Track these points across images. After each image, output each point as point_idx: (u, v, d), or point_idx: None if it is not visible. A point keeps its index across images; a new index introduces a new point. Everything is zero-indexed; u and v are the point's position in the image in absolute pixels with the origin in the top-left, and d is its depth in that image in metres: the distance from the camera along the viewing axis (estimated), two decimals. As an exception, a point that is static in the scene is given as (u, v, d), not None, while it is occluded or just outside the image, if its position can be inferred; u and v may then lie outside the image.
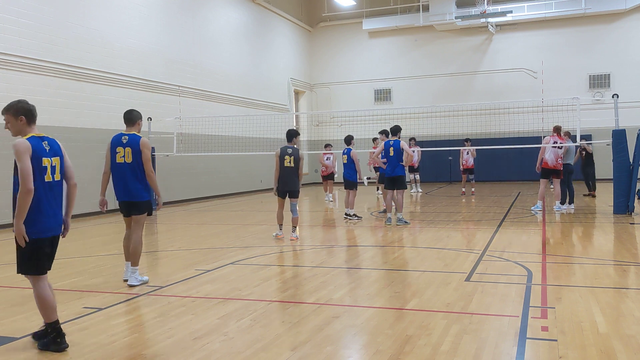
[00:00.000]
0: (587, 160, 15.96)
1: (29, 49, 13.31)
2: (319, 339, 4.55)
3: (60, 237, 4.68)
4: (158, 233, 8.14)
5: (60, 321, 5.19)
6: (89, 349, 4.45)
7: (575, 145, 13.75)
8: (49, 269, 4.59)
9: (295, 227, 10.17)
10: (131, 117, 6.78)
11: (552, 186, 13.73)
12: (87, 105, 14.94)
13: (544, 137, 13.80)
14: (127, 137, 6.62)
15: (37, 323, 5.14)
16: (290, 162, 9.93)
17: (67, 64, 14.28)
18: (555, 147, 12.81)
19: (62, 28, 14.23)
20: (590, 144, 15.92)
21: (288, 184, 9.96)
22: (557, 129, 13.13)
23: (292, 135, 10.18)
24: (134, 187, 6.57)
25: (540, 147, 13.19)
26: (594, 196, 16.38)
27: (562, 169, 12.99)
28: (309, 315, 5.21)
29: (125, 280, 6.72)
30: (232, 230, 11.77)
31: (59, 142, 4.74)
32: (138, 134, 6.70)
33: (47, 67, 13.73)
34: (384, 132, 13.47)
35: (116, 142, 6.65)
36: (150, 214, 6.83)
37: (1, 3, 12.75)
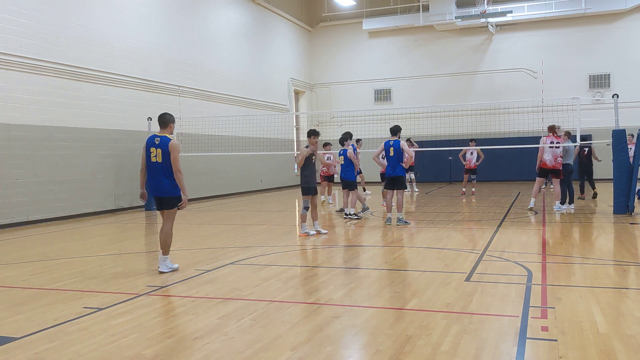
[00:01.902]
0: (588, 159, 15.77)
1: (29, 49, 13.31)
2: (319, 339, 4.55)
3: None
4: (158, 233, 8.17)
5: (60, 321, 5.21)
6: (89, 349, 4.45)
7: (580, 145, 13.79)
8: None
9: (302, 223, 10.49)
10: (164, 120, 7.45)
11: (552, 186, 13.73)
12: (87, 105, 14.93)
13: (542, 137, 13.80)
14: (159, 139, 7.27)
15: (38, 323, 5.15)
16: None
17: (67, 64, 14.27)
18: (552, 147, 12.78)
19: (62, 28, 14.23)
20: (591, 143, 15.74)
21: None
22: (551, 129, 13.04)
23: (307, 135, 10.83)
24: (164, 184, 7.27)
25: (538, 148, 13.17)
26: (583, 199, 15.97)
27: (561, 168, 12.92)
28: (309, 315, 5.21)
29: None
30: (232, 230, 11.77)
31: None
32: (169, 136, 7.34)
33: (47, 67, 13.73)
34: (348, 135, 13.68)
35: (150, 143, 7.32)
36: (179, 208, 7.47)
37: (1, 3, 12.75)
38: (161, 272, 7.27)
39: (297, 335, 4.66)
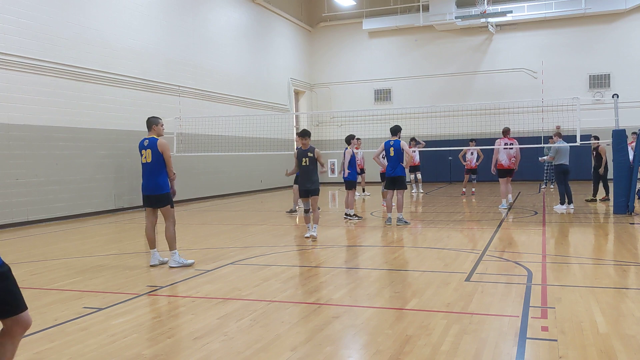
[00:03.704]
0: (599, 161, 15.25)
1: (29, 49, 13.30)
2: (319, 339, 4.55)
3: None
4: (158, 233, 8.17)
5: (60, 321, 5.21)
6: (89, 349, 4.45)
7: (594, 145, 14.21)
8: None
9: (306, 224, 10.29)
10: (148, 124, 7.91)
11: (552, 187, 13.76)
12: (87, 105, 14.93)
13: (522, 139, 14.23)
14: (147, 141, 7.73)
15: (38, 323, 5.15)
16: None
17: (67, 64, 14.27)
18: (507, 148, 13.85)
19: (62, 28, 14.22)
20: (598, 143, 15.47)
21: None
22: (505, 132, 14.11)
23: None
24: (154, 182, 7.72)
25: (516, 150, 14.13)
26: (601, 200, 15.50)
27: (515, 168, 14.06)
28: (309, 315, 5.21)
29: (152, 266, 7.71)
30: (232, 230, 11.77)
31: None
32: (156, 137, 7.77)
33: (47, 67, 13.73)
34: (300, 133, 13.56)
35: (140, 145, 7.81)
36: (172, 206, 7.90)
37: (1, 3, 12.74)
38: (171, 268, 7.54)
39: (297, 335, 4.66)
